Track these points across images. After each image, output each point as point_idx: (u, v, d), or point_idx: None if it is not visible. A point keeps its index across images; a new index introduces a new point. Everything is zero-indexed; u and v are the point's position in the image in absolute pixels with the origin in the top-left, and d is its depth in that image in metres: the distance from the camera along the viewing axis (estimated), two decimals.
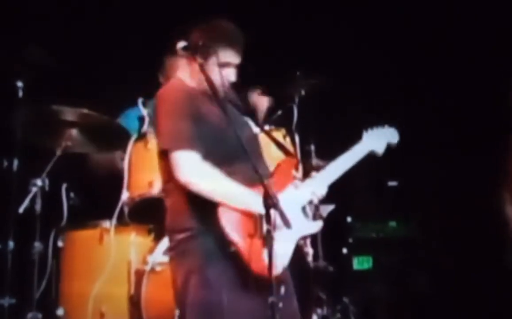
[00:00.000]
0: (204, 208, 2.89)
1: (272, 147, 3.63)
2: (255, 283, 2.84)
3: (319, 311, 4.37)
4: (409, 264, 5.61)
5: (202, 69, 2.98)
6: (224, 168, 2.93)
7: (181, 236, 2.97)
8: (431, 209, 5.79)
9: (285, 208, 2.75)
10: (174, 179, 2.94)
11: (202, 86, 3.09)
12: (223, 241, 2.85)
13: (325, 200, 4.73)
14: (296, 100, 4.63)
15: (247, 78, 3.31)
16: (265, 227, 2.66)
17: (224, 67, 3.08)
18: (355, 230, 5.70)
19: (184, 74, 3.20)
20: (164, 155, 3.01)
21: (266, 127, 4.23)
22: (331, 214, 4.86)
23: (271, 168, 3.20)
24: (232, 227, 2.85)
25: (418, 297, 5.50)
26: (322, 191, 3.22)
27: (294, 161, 3.27)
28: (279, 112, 4.60)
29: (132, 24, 5.04)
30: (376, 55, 5.72)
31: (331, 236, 4.67)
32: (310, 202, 3.19)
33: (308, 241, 4.36)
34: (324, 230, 4.43)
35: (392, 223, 5.72)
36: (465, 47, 5.55)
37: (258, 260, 2.81)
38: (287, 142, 4.32)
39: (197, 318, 2.86)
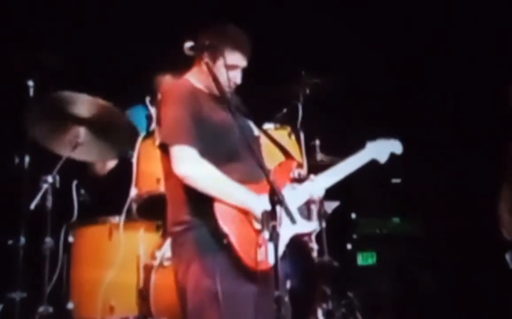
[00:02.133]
0: (201, 202, 2.98)
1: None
2: (249, 273, 2.93)
3: (324, 305, 4.41)
4: (413, 260, 5.65)
5: (209, 67, 3.05)
6: (221, 167, 3.01)
7: (178, 228, 3.06)
8: (434, 206, 5.82)
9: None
10: (173, 172, 3.01)
11: (209, 89, 3.19)
12: (217, 233, 2.94)
13: (329, 197, 4.82)
14: (301, 98, 4.68)
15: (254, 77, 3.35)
16: (271, 223, 2.73)
17: (231, 69, 3.15)
18: (360, 226, 5.75)
19: (192, 76, 3.26)
20: (164, 149, 3.09)
21: (271, 126, 4.30)
22: (336, 210, 4.92)
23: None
24: (225, 220, 2.94)
25: (421, 292, 5.55)
26: (319, 193, 3.31)
27: (293, 163, 3.32)
28: (285, 111, 4.63)
29: (143, 25, 5.06)
30: (379, 54, 5.75)
31: (336, 232, 4.74)
32: (308, 203, 3.22)
33: (313, 237, 4.42)
34: (329, 226, 4.53)
35: (396, 219, 5.77)
36: (467, 48, 5.57)
37: (249, 254, 2.91)
38: (292, 140, 4.37)
39: (197, 305, 2.95)
